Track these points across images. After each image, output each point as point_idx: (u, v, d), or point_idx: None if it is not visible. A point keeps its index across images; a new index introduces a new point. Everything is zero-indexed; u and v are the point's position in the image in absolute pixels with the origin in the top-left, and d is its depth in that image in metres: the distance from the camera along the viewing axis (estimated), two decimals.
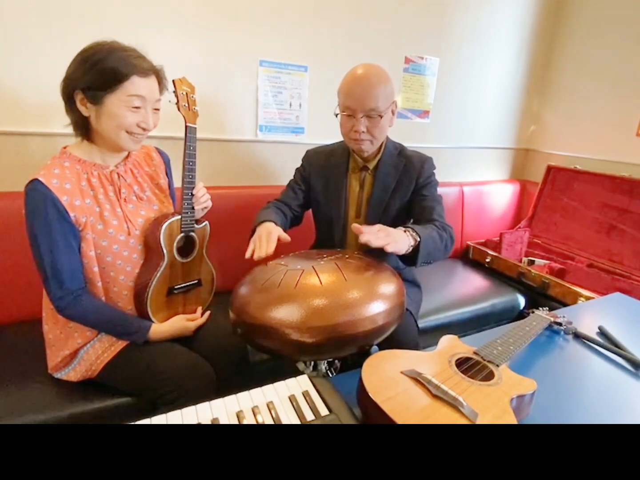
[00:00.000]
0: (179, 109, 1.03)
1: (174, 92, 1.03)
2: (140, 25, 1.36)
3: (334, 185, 1.27)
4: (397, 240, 0.90)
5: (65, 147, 0.95)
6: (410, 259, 0.99)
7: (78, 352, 0.99)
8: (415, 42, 1.92)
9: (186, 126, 1.03)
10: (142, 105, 0.89)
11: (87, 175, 0.93)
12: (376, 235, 0.86)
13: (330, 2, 1.66)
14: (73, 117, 0.91)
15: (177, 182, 1.08)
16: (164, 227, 0.98)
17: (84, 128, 0.92)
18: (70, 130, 0.94)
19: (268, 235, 0.98)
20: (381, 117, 1.12)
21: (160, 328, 1.01)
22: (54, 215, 0.87)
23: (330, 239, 1.30)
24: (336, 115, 1.18)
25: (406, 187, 1.23)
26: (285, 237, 1.00)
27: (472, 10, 2.02)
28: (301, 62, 1.68)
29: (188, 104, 1.05)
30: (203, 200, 1.08)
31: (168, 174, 1.13)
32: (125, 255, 0.97)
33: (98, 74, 0.85)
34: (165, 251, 1.00)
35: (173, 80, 1.02)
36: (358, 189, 1.26)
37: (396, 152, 1.26)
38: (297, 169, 1.37)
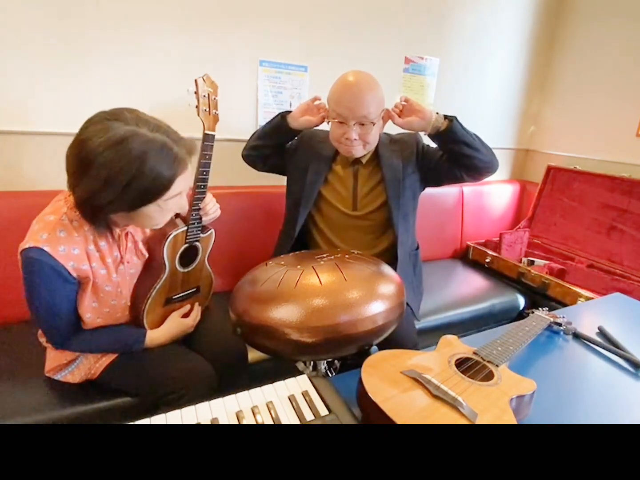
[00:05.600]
0: (198, 114, 0.93)
1: (195, 92, 0.93)
2: (140, 25, 1.36)
3: (316, 168, 1.27)
4: (424, 109, 1.13)
5: (70, 195, 0.80)
6: (445, 136, 1.14)
7: (77, 358, 0.98)
8: (415, 42, 1.92)
9: (204, 134, 0.94)
10: (181, 197, 0.82)
11: (94, 237, 0.84)
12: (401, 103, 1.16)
13: (331, 2, 1.66)
14: (87, 215, 0.78)
15: None
16: (168, 240, 0.93)
17: (101, 220, 0.79)
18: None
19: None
20: (373, 123, 1.12)
21: (156, 334, 0.99)
22: (58, 280, 0.80)
23: (292, 227, 1.31)
24: (327, 122, 1.18)
25: (409, 161, 1.26)
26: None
27: (472, 10, 2.02)
28: (301, 62, 1.68)
29: (209, 107, 0.94)
30: (212, 212, 1.03)
31: None
32: (122, 304, 0.94)
33: (134, 196, 0.71)
34: (167, 263, 0.96)
35: (195, 80, 0.93)
36: (352, 183, 1.26)
37: (388, 141, 1.29)
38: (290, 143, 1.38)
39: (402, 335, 1.08)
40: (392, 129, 1.23)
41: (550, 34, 2.31)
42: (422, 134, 1.25)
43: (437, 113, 1.15)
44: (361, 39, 1.78)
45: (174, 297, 1.04)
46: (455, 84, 2.11)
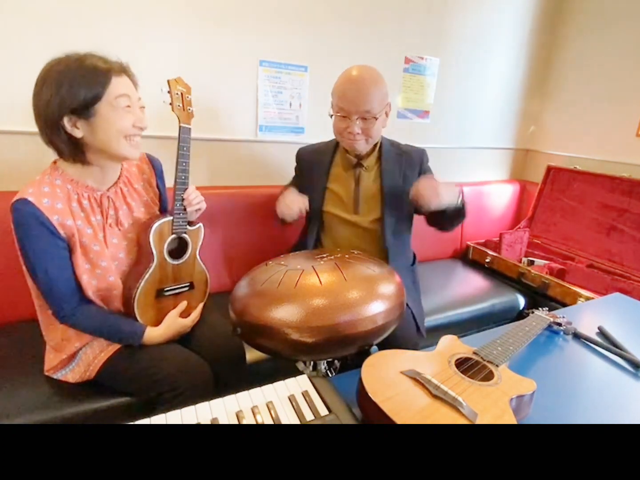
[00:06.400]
0: (173, 110, 1.02)
1: (168, 92, 1.02)
2: (139, 24, 1.36)
3: (316, 183, 1.29)
4: (447, 190, 1.12)
5: (55, 162, 0.91)
6: (448, 216, 1.20)
7: (76, 354, 0.98)
8: (415, 42, 1.92)
9: (180, 126, 1.02)
10: (131, 104, 0.88)
11: (77, 196, 0.90)
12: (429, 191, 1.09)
13: (331, 2, 1.66)
14: (62, 143, 0.85)
15: (172, 182, 1.06)
16: (154, 227, 0.98)
17: (77, 151, 0.87)
18: None
19: (291, 200, 1.19)
20: (376, 118, 1.13)
21: (155, 332, 0.99)
22: (46, 235, 0.85)
23: (308, 233, 1.33)
24: (330, 116, 1.18)
25: (411, 179, 1.26)
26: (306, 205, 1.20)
27: (472, 10, 2.02)
28: (301, 62, 1.68)
29: (183, 104, 1.03)
30: (195, 202, 1.06)
31: (159, 184, 1.10)
32: (113, 267, 0.96)
33: (81, 88, 0.81)
34: (155, 252, 0.99)
35: (168, 81, 1.02)
36: (353, 186, 1.26)
37: (393, 148, 1.29)
38: (294, 168, 1.41)
39: (402, 335, 1.08)
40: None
41: (550, 34, 2.31)
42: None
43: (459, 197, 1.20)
44: (361, 39, 1.78)
45: (166, 290, 1.05)
46: (455, 84, 2.11)
